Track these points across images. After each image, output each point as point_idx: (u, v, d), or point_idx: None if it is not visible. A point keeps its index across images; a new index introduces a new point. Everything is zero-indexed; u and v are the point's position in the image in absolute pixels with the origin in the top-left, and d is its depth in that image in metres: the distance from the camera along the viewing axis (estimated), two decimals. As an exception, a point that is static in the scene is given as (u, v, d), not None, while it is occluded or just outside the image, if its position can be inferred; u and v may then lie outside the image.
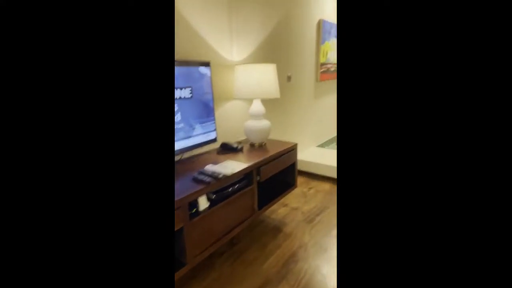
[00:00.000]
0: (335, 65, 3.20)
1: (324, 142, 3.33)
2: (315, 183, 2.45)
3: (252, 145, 1.75)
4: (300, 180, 2.53)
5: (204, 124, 1.53)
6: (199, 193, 1.14)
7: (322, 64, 2.91)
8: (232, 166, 1.36)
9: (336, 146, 3.31)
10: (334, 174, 2.49)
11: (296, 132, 2.74)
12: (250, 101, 1.99)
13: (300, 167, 2.70)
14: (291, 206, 2.02)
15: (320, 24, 2.73)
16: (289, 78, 2.45)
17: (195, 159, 1.52)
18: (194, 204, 1.16)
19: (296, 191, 2.28)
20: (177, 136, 1.38)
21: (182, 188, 1.13)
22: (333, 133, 3.61)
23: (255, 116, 1.71)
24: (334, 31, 3.00)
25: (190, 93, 1.42)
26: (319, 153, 2.84)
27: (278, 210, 1.97)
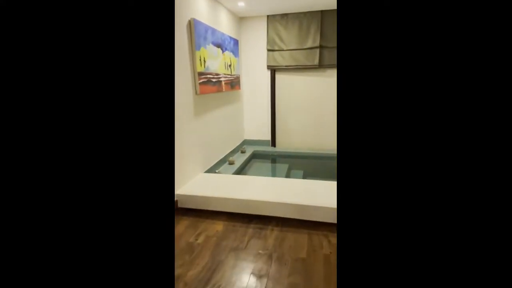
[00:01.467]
0: (218, 76, 2.77)
1: (213, 166, 2.83)
2: (204, 225, 1.89)
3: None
4: (184, 223, 1.91)
5: None
6: None
7: (201, 74, 2.41)
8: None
9: (228, 167, 2.85)
10: (228, 207, 1.99)
11: (175, 159, 2.12)
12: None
13: (184, 204, 2.08)
14: (170, 276, 1.38)
15: (192, 25, 2.23)
16: (155, 90, 1.82)
17: None
18: None
19: (179, 244, 1.65)
20: None
21: None
22: (222, 153, 3.15)
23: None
24: (211, 36, 2.57)
25: None
26: (207, 181, 2.31)
27: None
